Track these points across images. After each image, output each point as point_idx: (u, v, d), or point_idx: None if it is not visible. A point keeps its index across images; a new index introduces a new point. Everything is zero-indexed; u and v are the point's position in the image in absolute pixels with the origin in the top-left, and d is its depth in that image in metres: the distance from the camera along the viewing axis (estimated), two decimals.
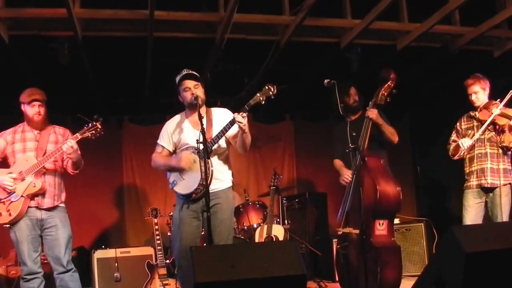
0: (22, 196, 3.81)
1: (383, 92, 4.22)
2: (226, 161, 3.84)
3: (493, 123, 4.36)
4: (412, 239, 6.15)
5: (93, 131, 3.83)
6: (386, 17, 4.96)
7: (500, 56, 5.72)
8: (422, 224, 6.16)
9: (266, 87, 3.57)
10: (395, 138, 4.51)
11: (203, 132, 3.40)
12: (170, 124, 3.90)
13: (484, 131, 4.40)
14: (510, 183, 4.38)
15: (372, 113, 4.22)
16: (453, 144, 4.60)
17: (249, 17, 4.90)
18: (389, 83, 4.21)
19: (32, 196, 3.85)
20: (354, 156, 4.10)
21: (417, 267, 5.97)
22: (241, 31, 4.98)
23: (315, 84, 4.70)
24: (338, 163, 4.69)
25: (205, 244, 3.92)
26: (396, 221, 6.32)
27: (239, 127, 3.53)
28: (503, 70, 5.82)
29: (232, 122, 3.53)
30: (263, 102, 3.55)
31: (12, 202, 3.81)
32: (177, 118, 3.91)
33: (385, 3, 4.61)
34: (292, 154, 7.61)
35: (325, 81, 4.02)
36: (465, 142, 4.43)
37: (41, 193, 3.87)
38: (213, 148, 3.65)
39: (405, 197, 7.58)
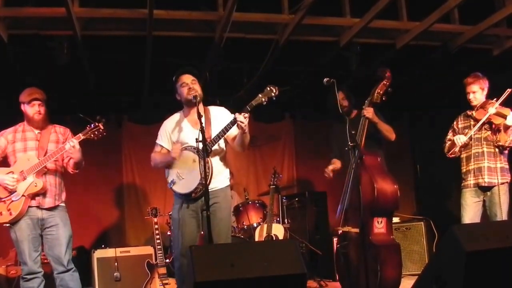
0: (23, 195, 3.81)
1: (379, 90, 4.26)
2: (224, 160, 3.84)
3: (489, 122, 4.36)
4: (412, 238, 6.15)
5: (96, 132, 3.82)
6: (385, 15, 4.95)
7: (499, 55, 5.71)
8: (422, 223, 6.17)
9: (268, 88, 3.57)
10: (392, 136, 4.55)
11: (202, 131, 3.39)
12: (169, 123, 3.88)
13: (479, 130, 4.41)
14: (507, 182, 4.39)
15: (368, 112, 4.25)
16: (449, 142, 4.61)
17: (248, 16, 4.90)
18: (384, 81, 4.25)
19: (33, 196, 3.85)
20: (354, 155, 4.11)
21: (417, 266, 5.98)
22: (240, 30, 4.97)
23: (315, 83, 4.70)
24: (332, 161, 4.80)
25: (204, 244, 3.91)
26: (396, 220, 6.32)
27: (240, 127, 3.52)
28: (502, 69, 5.82)
29: (233, 122, 3.52)
30: (265, 103, 3.55)
31: (13, 201, 3.81)
32: (175, 117, 3.90)
33: (384, 2, 4.60)
34: (292, 153, 7.61)
35: (325, 79, 4.02)
36: (460, 139, 4.45)
37: (42, 192, 3.87)
38: (213, 148, 3.64)
39: (405, 197, 7.70)
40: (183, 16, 4.83)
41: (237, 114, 3.49)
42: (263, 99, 3.54)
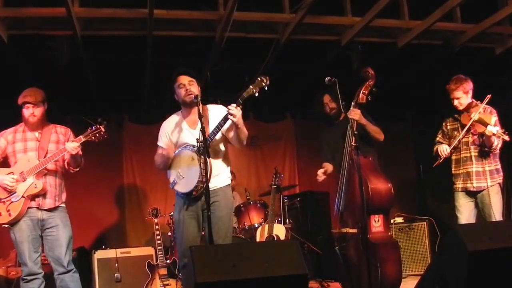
0: (22, 196, 3.80)
1: (364, 91, 4.24)
2: (224, 158, 3.81)
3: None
4: (415, 238, 6.13)
5: (97, 134, 3.81)
6: (386, 14, 4.94)
7: (502, 53, 5.69)
8: (425, 223, 6.15)
9: (259, 79, 3.53)
10: (381, 137, 4.53)
11: (203, 131, 3.37)
12: (167, 124, 3.87)
13: (466, 134, 4.38)
14: (499, 183, 4.36)
15: (355, 113, 4.22)
16: (437, 145, 4.58)
17: (249, 15, 4.90)
18: (369, 81, 4.22)
19: (33, 197, 3.83)
20: (357, 155, 4.09)
21: (420, 266, 5.96)
22: (241, 30, 4.97)
23: (316, 83, 4.68)
24: (324, 165, 4.75)
25: (205, 244, 3.89)
26: (399, 220, 6.31)
27: (231, 120, 3.48)
28: (505, 67, 5.80)
29: (226, 118, 3.50)
30: (257, 94, 3.51)
31: (12, 202, 3.80)
32: (173, 118, 3.88)
33: (385, 1, 4.59)
34: (293, 152, 7.60)
35: (326, 79, 4.01)
36: (444, 150, 4.43)
37: (42, 194, 3.86)
38: (210, 145, 3.60)
39: (408, 197, 7.69)
40: (183, 16, 4.83)
41: (228, 106, 3.47)
42: (254, 90, 3.50)
